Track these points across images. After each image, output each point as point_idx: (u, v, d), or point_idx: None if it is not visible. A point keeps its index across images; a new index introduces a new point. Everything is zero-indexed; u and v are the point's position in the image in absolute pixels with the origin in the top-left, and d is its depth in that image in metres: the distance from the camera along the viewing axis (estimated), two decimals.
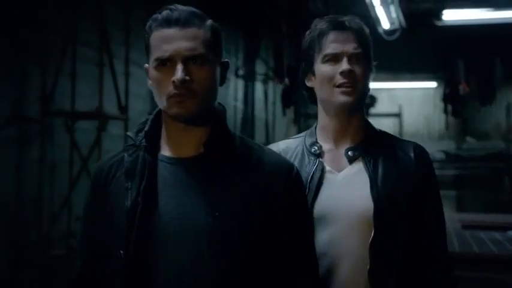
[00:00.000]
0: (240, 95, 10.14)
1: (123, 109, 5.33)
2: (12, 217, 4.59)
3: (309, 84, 1.72)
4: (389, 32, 8.66)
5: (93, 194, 1.49)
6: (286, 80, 9.48)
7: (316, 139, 1.73)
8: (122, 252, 1.35)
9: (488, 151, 12.52)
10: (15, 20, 4.62)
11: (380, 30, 8.59)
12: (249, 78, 10.25)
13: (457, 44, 12.06)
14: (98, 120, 4.93)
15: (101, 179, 1.48)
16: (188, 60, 1.36)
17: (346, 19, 1.68)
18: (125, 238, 1.35)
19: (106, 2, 5.30)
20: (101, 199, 1.45)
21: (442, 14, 8.13)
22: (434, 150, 12.28)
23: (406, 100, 14.30)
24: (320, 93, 1.68)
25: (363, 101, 1.70)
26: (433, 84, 13.83)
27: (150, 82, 1.43)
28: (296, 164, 1.61)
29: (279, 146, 1.76)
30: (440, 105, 13.19)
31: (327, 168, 1.67)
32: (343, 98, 1.63)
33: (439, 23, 8.27)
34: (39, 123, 4.84)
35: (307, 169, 1.66)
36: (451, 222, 5.90)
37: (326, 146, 1.71)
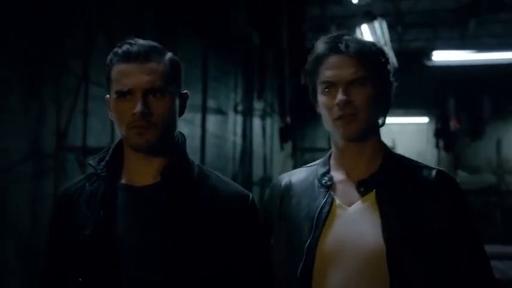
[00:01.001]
0: (239, 129, 10.48)
1: None
2: (28, 248, 4.82)
3: (318, 110, 1.57)
4: None
5: (55, 219, 1.51)
6: (288, 118, 9.79)
7: (329, 169, 1.56)
8: (80, 279, 1.39)
9: (479, 185, 12.83)
10: (34, 61, 4.95)
11: None
12: (248, 113, 10.61)
13: (447, 82, 12.54)
14: None
15: (63, 205, 1.51)
16: (147, 93, 1.40)
17: (344, 39, 1.48)
18: (83, 266, 1.38)
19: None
20: (62, 225, 1.48)
21: (432, 55, 8.56)
22: None
23: (400, 135, 14.69)
24: (324, 123, 1.53)
25: (373, 127, 1.50)
26: (425, 119, 14.26)
27: (110, 113, 1.47)
28: (307, 196, 1.53)
29: (290, 177, 1.63)
30: (433, 140, 13.58)
31: (337, 202, 1.49)
32: (343, 131, 1.47)
33: (429, 63, 8.68)
34: (53, 158, 5.11)
35: (317, 202, 1.50)
36: None
37: (338, 176, 1.54)
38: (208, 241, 1.39)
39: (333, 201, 1.51)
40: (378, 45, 1.54)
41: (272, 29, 8.73)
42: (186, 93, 1.53)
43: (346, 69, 1.45)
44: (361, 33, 8.05)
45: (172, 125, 1.46)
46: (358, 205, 1.49)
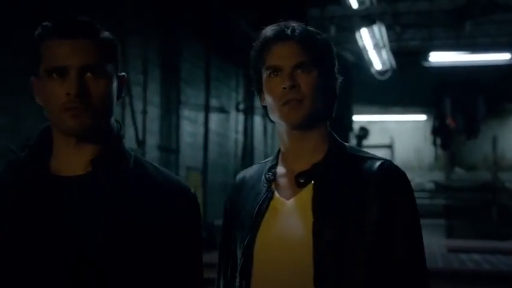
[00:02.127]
0: (241, 128, 10.75)
1: (141, 144, 5.90)
2: None
3: (263, 103, 1.48)
4: (381, 72, 9.29)
5: None
6: None
7: (276, 163, 1.49)
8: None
9: (476, 182, 13.09)
10: None
11: (372, 71, 9.25)
12: (249, 112, 10.88)
13: (443, 82, 12.83)
14: None
15: None
16: (83, 72, 1.25)
17: (290, 26, 1.44)
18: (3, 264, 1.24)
19: (127, 51, 5.91)
20: None
21: (428, 56, 8.79)
22: (425, 180, 12.87)
23: (398, 132, 14.96)
24: (270, 113, 1.46)
25: (318, 115, 1.43)
26: (423, 117, 14.54)
27: (38, 97, 1.31)
28: (253, 192, 1.47)
29: (246, 173, 1.57)
30: (430, 137, 13.86)
31: (277, 196, 1.43)
32: (289, 116, 1.40)
33: (426, 64, 8.91)
34: None
35: (258, 198, 1.44)
36: (438, 247, 6.57)
37: (282, 170, 1.47)
38: (142, 235, 1.27)
39: (272, 196, 1.43)
40: (324, 36, 1.49)
41: None
42: (123, 75, 1.36)
43: (291, 54, 1.41)
44: (360, 36, 8.29)
45: (110, 108, 1.31)
46: (295, 199, 1.41)
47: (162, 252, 1.30)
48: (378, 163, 1.41)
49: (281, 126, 1.46)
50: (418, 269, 1.38)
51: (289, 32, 1.43)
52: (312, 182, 1.41)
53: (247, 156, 10.66)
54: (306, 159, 1.44)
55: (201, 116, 9.05)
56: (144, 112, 6.14)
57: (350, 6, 8.00)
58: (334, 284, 1.31)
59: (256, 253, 1.38)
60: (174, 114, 8.00)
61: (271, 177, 1.47)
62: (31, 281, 1.22)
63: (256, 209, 1.42)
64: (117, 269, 1.24)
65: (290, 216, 1.40)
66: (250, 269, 1.38)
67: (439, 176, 14.02)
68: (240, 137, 10.73)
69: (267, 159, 1.57)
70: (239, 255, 1.43)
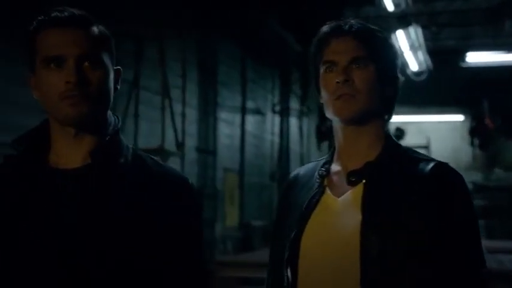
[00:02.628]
0: (277, 129, 10.83)
1: (180, 146, 6.04)
2: None
3: (321, 100, 1.47)
4: (417, 74, 9.24)
5: None
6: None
7: (331, 160, 1.48)
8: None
9: None
10: None
11: (408, 72, 9.22)
12: (285, 113, 10.97)
13: (480, 81, 12.65)
14: (160, 156, 5.64)
15: None
16: (81, 61, 1.25)
17: (348, 22, 1.44)
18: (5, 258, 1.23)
19: (167, 55, 6.07)
20: None
21: (465, 56, 8.71)
22: None
23: (434, 132, 14.82)
24: (326, 110, 1.45)
25: (372, 112, 1.42)
26: (460, 117, 14.38)
27: (35, 92, 1.29)
28: (306, 188, 1.46)
29: (300, 170, 1.57)
30: (468, 138, 13.70)
31: (328, 192, 1.42)
32: (341, 111, 1.39)
33: (463, 64, 8.82)
34: None
35: (309, 193, 1.44)
36: None
37: (336, 166, 1.46)
38: (141, 228, 1.25)
39: (324, 191, 1.43)
40: (385, 34, 1.47)
41: (310, 33, 9.01)
42: (119, 69, 1.36)
43: (347, 49, 1.40)
44: (396, 38, 8.28)
45: (108, 98, 1.29)
46: (346, 196, 1.40)
47: (162, 244, 1.27)
48: (432, 164, 1.38)
49: (336, 122, 1.45)
50: (475, 277, 1.33)
51: (346, 27, 1.42)
52: (364, 181, 1.38)
53: (283, 158, 10.74)
54: (360, 157, 1.42)
55: (237, 118, 9.17)
56: (183, 114, 6.29)
57: (385, 8, 8.00)
58: (381, 285, 1.28)
59: (302, 246, 1.38)
60: (211, 116, 8.14)
61: (324, 173, 1.46)
62: (29, 276, 1.21)
63: (306, 203, 1.42)
64: (115, 262, 1.22)
65: (339, 214, 1.38)
66: (296, 261, 1.38)
67: (477, 176, 13.84)
68: (276, 139, 10.82)
69: (322, 157, 1.55)
70: (283, 250, 1.42)
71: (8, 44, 4.41)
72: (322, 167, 1.48)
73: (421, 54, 8.88)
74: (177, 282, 1.30)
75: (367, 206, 1.34)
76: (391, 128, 13.17)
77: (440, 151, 14.70)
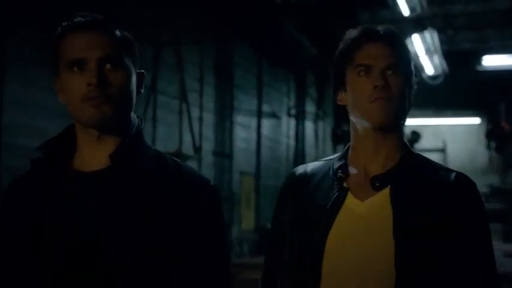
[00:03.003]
0: (292, 132, 10.88)
1: (197, 150, 6.11)
2: None
3: (340, 102, 1.50)
4: (433, 77, 9.21)
5: (6, 215, 1.35)
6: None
7: (346, 162, 1.50)
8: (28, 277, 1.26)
9: None
10: None
11: (424, 76, 9.20)
12: (300, 117, 11.01)
13: (496, 85, 12.58)
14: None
15: (11, 202, 1.35)
16: (103, 63, 1.27)
17: (380, 28, 1.46)
18: (31, 262, 1.26)
19: (185, 59, 6.14)
20: (11, 222, 1.33)
21: (482, 59, 8.68)
22: (480, 184, 12.59)
23: (450, 135, 14.76)
24: (352, 110, 1.46)
25: (400, 118, 1.47)
26: (476, 120, 14.31)
27: (60, 95, 1.32)
28: (321, 188, 1.48)
29: (306, 168, 1.57)
30: (484, 140, 13.63)
31: (351, 195, 1.45)
32: (378, 113, 1.41)
33: (479, 67, 8.78)
34: None
35: (330, 195, 1.45)
36: (494, 251, 6.52)
37: (354, 169, 1.48)
38: (162, 230, 1.26)
39: (346, 194, 1.45)
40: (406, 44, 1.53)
41: (325, 36, 9.04)
42: (142, 73, 1.38)
43: (383, 54, 1.42)
44: (411, 42, 8.28)
45: (130, 101, 1.31)
46: (371, 200, 1.42)
47: (181, 245, 1.28)
48: (453, 174, 1.43)
49: (361, 125, 1.47)
50: (488, 279, 1.40)
51: (381, 32, 1.45)
52: (389, 186, 1.42)
53: (298, 161, 10.77)
54: (381, 161, 1.45)
55: (253, 122, 9.22)
56: (200, 118, 6.35)
57: (400, 12, 8.01)
58: (417, 277, 1.33)
59: (328, 250, 1.40)
60: (227, 120, 8.20)
61: (342, 175, 1.47)
62: (50, 276, 1.23)
63: (330, 205, 1.43)
64: (135, 262, 1.23)
65: (365, 217, 1.41)
66: (320, 265, 1.39)
67: (494, 179, 13.75)
68: (292, 142, 10.86)
69: (331, 157, 1.57)
70: (304, 250, 1.43)
71: (38, 49, 4.50)
72: (338, 168, 1.49)
73: (436, 58, 8.88)
74: (194, 281, 1.29)
75: (397, 208, 1.38)
76: (407, 132, 13.15)
77: (456, 154, 14.64)
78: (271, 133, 10.00)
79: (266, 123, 9.70)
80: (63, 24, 1.31)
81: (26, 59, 4.56)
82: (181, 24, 6.24)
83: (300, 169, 1.57)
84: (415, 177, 1.43)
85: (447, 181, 1.42)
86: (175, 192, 1.29)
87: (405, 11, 7.88)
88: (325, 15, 9.18)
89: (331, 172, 1.49)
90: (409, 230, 1.35)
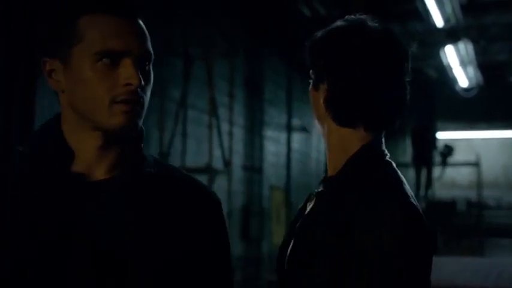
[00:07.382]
0: (322, 146, 10.76)
1: (227, 164, 6.06)
2: None
3: None
4: (467, 90, 9.06)
5: None
6: None
7: None
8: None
9: None
10: None
11: (457, 88, 9.04)
12: None
13: None
14: (207, 175, 5.66)
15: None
16: (143, 61, 1.07)
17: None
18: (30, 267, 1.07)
19: (215, 74, 6.13)
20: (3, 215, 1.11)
21: None
22: None
23: (484, 149, 14.45)
24: None
25: None
26: (511, 133, 13.99)
27: (58, 83, 1.09)
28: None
29: None
30: None
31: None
32: None
33: None
34: None
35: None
36: None
37: None
38: (166, 239, 1.14)
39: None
40: None
41: None
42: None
43: None
44: (445, 54, 8.13)
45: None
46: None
47: (187, 256, 1.16)
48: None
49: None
50: None
51: None
52: None
53: None
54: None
55: (283, 136, 9.16)
56: (230, 133, 6.32)
57: (434, 23, 7.88)
58: None
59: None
60: (257, 134, 8.16)
61: None
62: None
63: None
64: (138, 274, 1.10)
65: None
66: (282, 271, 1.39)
67: None
68: (322, 156, 10.74)
69: None
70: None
71: None
72: None
73: (471, 70, 8.70)
74: (202, 283, 1.18)
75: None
76: (439, 145, 12.93)
77: (490, 168, 14.32)
78: (301, 147, 9.92)
79: (296, 137, 9.63)
80: None
81: None
82: (212, 39, 6.23)
83: None
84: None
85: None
86: (177, 200, 1.17)
87: (439, 23, 7.75)
88: None
89: None
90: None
